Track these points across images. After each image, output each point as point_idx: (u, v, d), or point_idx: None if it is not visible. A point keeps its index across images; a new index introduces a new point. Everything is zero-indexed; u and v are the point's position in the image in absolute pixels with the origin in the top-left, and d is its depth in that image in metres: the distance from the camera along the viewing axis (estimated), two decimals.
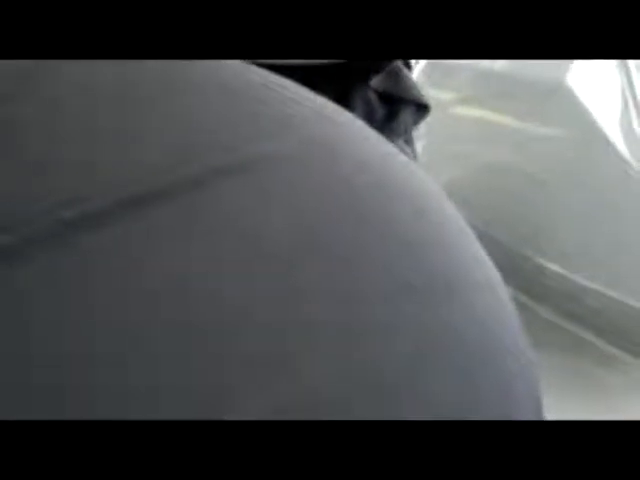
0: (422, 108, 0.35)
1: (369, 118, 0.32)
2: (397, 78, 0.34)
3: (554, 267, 1.53)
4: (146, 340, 0.16)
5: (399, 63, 0.34)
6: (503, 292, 0.22)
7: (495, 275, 0.22)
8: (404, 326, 0.18)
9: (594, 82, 1.46)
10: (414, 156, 0.34)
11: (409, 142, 0.34)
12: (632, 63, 1.45)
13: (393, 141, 0.32)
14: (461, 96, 1.73)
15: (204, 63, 0.21)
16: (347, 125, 0.21)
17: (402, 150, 0.33)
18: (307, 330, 0.17)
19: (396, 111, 0.34)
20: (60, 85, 0.19)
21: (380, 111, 0.33)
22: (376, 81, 0.33)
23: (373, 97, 0.33)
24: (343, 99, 0.31)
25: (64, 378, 0.16)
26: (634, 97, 1.44)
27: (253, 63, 0.22)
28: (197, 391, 0.16)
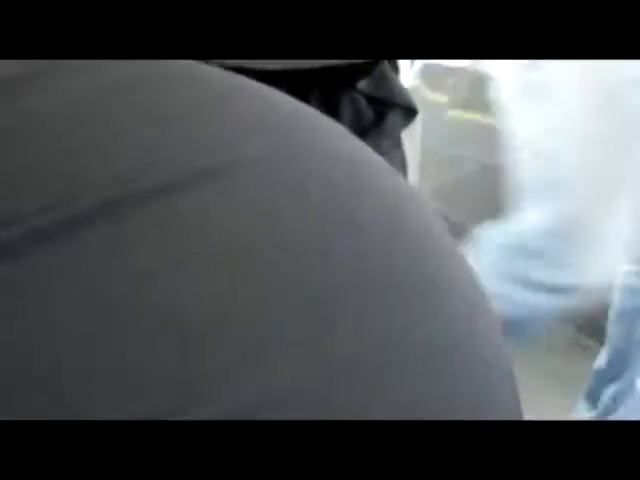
0: (410, 111, 0.35)
1: (357, 122, 0.32)
2: (385, 82, 0.34)
3: None
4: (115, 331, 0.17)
5: (386, 67, 0.34)
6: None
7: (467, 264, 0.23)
8: (371, 320, 0.19)
9: None
10: (403, 159, 0.34)
11: (397, 145, 0.34)
12: None
13: (382, 144, 0.32)
14: (456, 99, 1.73)
15: (183, 65, 0.21)
16: (322, 128, 0.21)
17: (390, 153, 0.33)
18: (275, 334, 0.18)
19: (384, 114, 0.34)
20: (44, 94, 0.19)
21: (368, 115, 0.33)
22: (363, 85, 0.33)
23: (361, 101, 0.33)
24: (331, 103, 0.31)
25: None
26: None
27: (240, 67, 0.22)
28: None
